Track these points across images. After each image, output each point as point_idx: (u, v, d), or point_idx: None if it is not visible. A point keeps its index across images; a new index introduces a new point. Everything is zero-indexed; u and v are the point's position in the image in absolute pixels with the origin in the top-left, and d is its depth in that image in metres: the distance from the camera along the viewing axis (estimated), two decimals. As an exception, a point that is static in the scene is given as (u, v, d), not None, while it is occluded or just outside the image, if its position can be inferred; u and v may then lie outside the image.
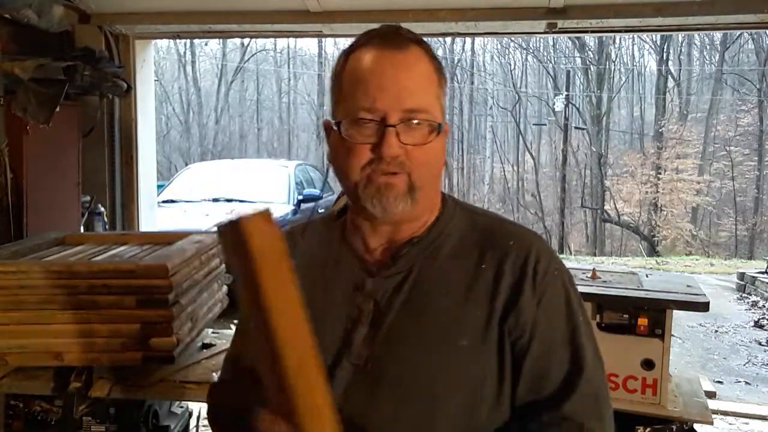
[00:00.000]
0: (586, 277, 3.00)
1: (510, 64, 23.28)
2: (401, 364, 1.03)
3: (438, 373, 1.01)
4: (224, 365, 1.24)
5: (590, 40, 20.35)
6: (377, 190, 1.02)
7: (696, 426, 2.16)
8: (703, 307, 2.24)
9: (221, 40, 20.17)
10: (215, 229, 0.86)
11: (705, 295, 2.38)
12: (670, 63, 22.16)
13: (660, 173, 20.46)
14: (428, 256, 1.08)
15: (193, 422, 2.97)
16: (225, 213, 7.60)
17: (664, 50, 21.84)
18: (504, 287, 1.04)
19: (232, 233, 0.80)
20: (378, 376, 1.03)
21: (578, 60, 22.08)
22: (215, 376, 2.37)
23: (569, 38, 19.74)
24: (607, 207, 20.68)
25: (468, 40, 20.87)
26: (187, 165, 14.68)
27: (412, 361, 1.02)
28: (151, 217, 4.68)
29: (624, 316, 2.69)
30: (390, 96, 0.99)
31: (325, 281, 1.11)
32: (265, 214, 0.81)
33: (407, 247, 1.08)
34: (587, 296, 2.54)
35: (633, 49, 23.28)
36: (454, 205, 1.14)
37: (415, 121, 1.00)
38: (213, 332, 2.81)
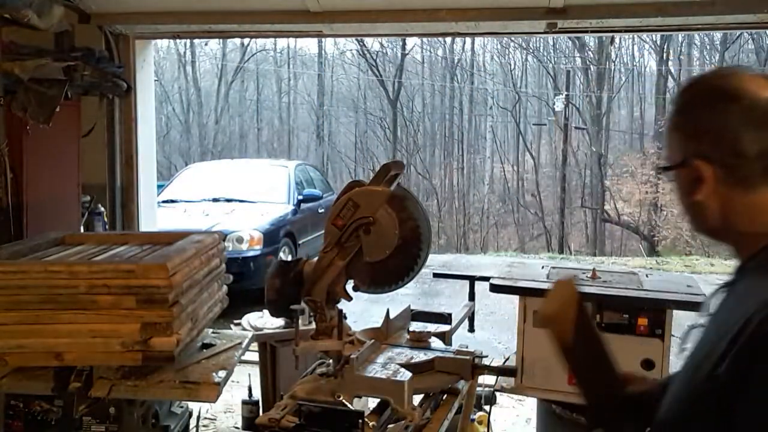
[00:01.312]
0: (586, 277, 3.00)
1: (510, 64, 23.22)
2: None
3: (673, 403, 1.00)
4: None
5: (590, 40, 20.30)
6: None
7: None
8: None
9: (221, 40, 20.13)
10: None
11: (705, 295, 2.37)
12: (670, 63, 22.12)
13: (660, 173, 20.44)
14: (728, 289, 1.02)
15: (193, 422, 2.97)
16: (224, 213, 7.64)
17: (664, 50, 21.80)
18: (731, 360, 0.87)
19: None
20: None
21: (578, 60, 22.03)
22: (215, 376, 2.38)
23: (569, 38, 19.70)
24: (607, 207, 20.64)
25: (468, 40, 20.85)
26: (187, 165, 14.66)
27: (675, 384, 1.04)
28: (151, 217, 4.68)
29: (624, 316, 2.69)
30: None
31: None
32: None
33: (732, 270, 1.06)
34: (587, 296, 2.53)
35: (633, 49, 23.22)
36: None
37: None
38: (213, 332, 2.81)
